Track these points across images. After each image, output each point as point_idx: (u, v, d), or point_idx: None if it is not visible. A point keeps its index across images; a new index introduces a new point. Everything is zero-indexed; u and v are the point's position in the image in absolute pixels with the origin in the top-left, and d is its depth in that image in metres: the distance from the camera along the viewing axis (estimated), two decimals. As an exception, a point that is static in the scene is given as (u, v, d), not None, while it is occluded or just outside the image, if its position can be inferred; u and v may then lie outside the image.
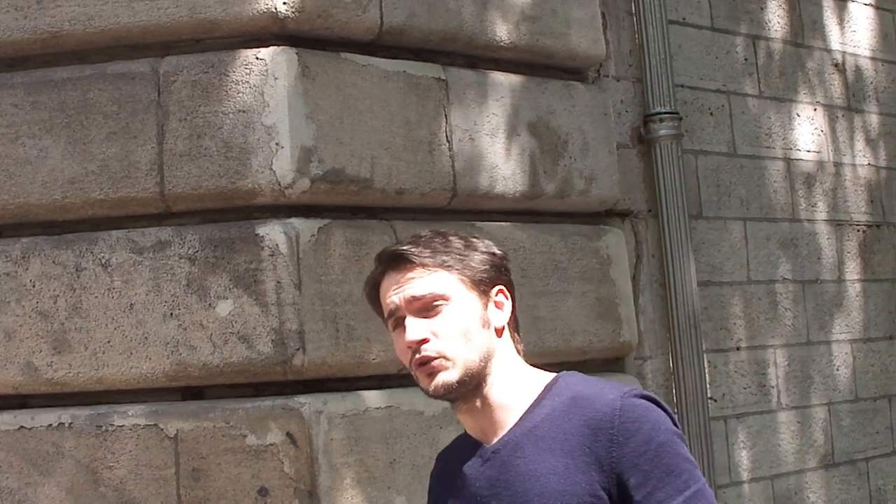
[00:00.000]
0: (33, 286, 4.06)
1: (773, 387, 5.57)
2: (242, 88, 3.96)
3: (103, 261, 4.02)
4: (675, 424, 2.34)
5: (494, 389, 2.41)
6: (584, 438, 2.31)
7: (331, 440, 3.86)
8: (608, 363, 4.84)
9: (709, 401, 5.19)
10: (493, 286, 2.45)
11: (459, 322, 2.39)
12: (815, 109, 6.01)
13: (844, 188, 6.09)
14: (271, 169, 3.91)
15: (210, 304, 3.93)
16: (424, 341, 2.37)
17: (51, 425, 4.02)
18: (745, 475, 5.39)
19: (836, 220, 6.01)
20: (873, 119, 6.33)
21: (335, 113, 4.04)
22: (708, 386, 5.21)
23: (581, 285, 4.66)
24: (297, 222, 3.94)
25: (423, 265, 2.41)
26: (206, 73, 3.99)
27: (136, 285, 3.98)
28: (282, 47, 3.98)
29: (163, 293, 3.96)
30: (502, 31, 4.55)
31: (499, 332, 2.45)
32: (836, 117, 6.12)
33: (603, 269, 4.76)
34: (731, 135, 5.61)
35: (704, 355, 5.19)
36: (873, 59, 6.39)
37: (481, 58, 4.54)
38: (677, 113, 5.23)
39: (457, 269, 2.42)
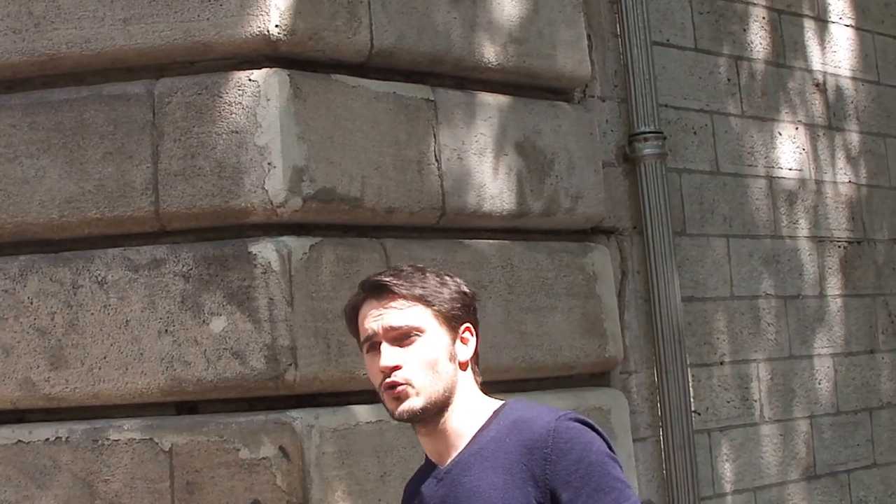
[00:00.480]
0: (31, 303, 4.10)
1: (755, 400, 5.61)
2: (235, 109, 3.99)
3: (99, 278, 4.05)
4: (609, 448, 2.53)
5: (453, 417, 2.61)
6: (522, 457, 2.50)
7: (322, 454, 3.89)
8: (594, 378, 4.88)
9: (693, 414, 5.21)
10: (462, 323, 2.65)
11: (429, 354, 2.59)
12: (797, 128, 6.07)
13: (826, 205, 6.14)
14: (264, 188, 3.94)
15: (204, 321, 3.96)
16: (396, 368, 2.57)
17: (48, 439, 4.04)
18: (728, 487, 5.42)
19: (817, 237, 6.05)
20: (854, 137, 6.39)
21: (326, 133, 4.07)
22: (692, 399, 5.23)
23: (567, 301, 4.70)
24: (289, 240, 3.97)
25: (403, 297, 2.60)
26: (199, 94, 4.02)
27: (131, 302, 4.01)
28: (274, 69, 4.01)
29: (158, 310, 3.99)
30: (490, 53, 4.60)
31: (462, 366, 2.64)
32: (818, 136, 6.17)
33: (589, 285, 4.80)
34: (714, 153, 5.66)
35: (688, 369, 5.22)
36: (854, 78, 6.44)
37: (469, 79, 4.57)
38: (661, 132, 5.26)
39: (432, 305, 2.61)
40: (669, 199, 5.24)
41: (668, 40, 5.53)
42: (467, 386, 2.65)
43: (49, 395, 4.08)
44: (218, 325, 3.95)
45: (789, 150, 5.99)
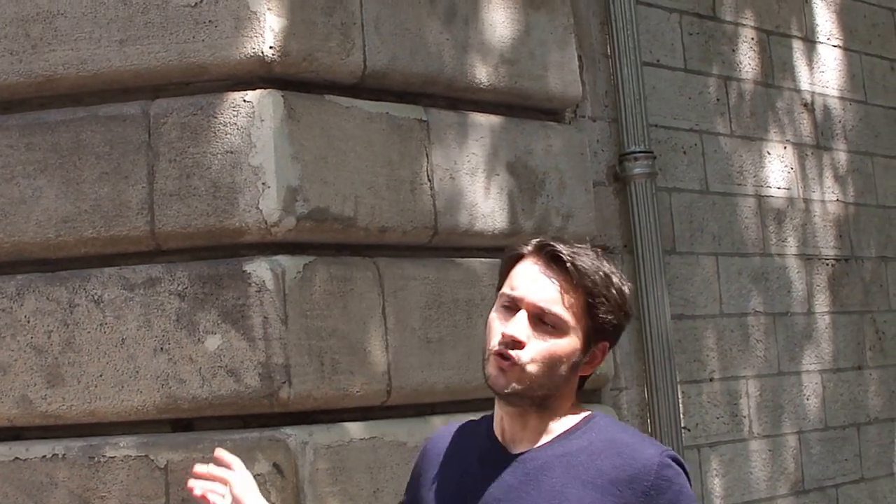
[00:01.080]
0: (28, 322, 4.12)
1: (745, 416, 5.64)
2: (230, 130, 4.01)
3: (96, 297, 4.08)
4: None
5: (544, 417, 2.44)
6: (619, 482, 2.35)
7: (316, 470, 3.91)
8: (585, 394, 4.87)
9: (682, 430, 5.23)
10: (603, 340, 2.47)
11: (556, 354, 2.40)
12: (785, 147, 6.11)
13: (814, 223, 6.18)
14: (258, 208, 3.96)
15: (199, 339, 3.97)
16: (519, 345, 2.38)
17: (45, 456, 4.05)
18: (718, 502, 5.43)
19: (805, 255, 6.09)
20: (841, 156, 6.43)
21: (320, 153, 4.09)
22: (682, 416, 5.25)
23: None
24: (283, 259, 3.99)
25: (572, 284, 2.40)
26: (194, 115, 4.04)
27: (127, 321, 4.03)
28: (268, 90, 4.03)
29: (153, 328, 4.01)
30: (482, 74, 4.64)
31: (579, 377, 2.47)
32: (806, 155, 6.21)
33: (579, 303, 4.82)
34: (703, 172, 5.70)
35: (678, 386, 5.24)
36: (841, 98, 6.48)
37: (461, 99, 4.60)
38: (651, 152, 5.29)
39: (591, 308, 2.41)
40: (659, 218, 5.27)
41: (658, 61, 5.57)
42: (570, 389, 2.47)
43: (46, 412, 4.10)
44: (213, 343, 3.97)
45: (778, 169, 6.03)
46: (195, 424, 4.06)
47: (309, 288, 4.01)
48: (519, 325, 2.40)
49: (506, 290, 2.45)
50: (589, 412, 2.49)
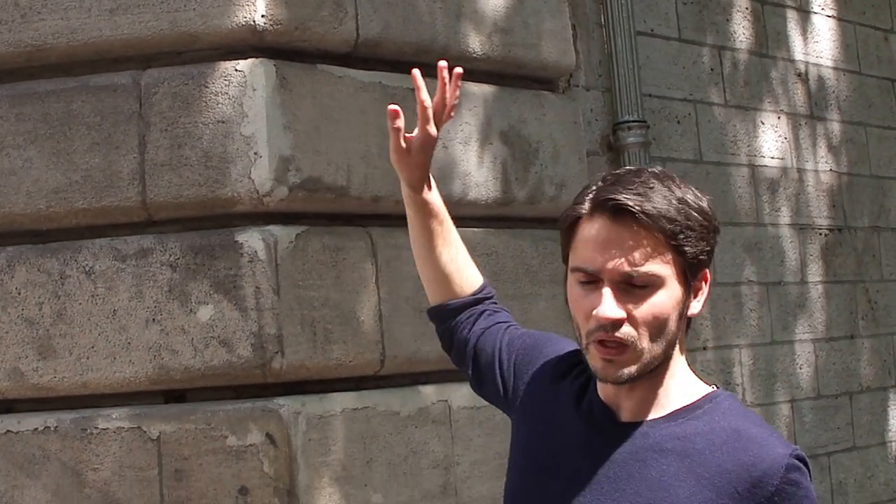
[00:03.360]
0: (19, 293, 4.11)
1: (738, 385, 5.66)
2: (222, 100, 4.00)
3: (87, 268, 4.07)
4: None
5: (657, 382, 2.15)
6: (739, 483, 2.06)
7: (309, 440, 3.92)
8: (579, 365, 4.91)
9: (676, 400, 5.28)
10: (702, 270, 2.14)
11: (662, 312, 2.09)
12: (779, 118, 6.11)
13: (807, 193, 6.19)
14: (250, 178, 3.95)
15: (191, 310, 3.97)
16: (620, 322, 2.08)
17: (37, 429, 4.06)
18: (712, 473, 5.47)
19: (798, 225, 6.10)
20: (835, 127, 6.43)
21: (312, 123, 4.08)
22: (676, 386, 5.29)
23: (551, 288, 4.73)
24: (276, 229, 3.99)
25: (650, 234, 2.07)
26: (186, 84, 4.03)
27: (118, 292, 4.03)
28: (260, 59, 4.02)
29: (145, 299, 4.01)
30: (475, 43, 4.62)
31: (687, 322, 2.16)
32: (800, 125, 6.22)
33: (573, 273, 4.83)
34: (697, 142, 5.70)
35: (672, 356, 5.28)
36: (835, 68, 6.48)
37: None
38: (645, 121, 5.31)
39: (679, 247, 2.08)
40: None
41: (652, 30, 5.57)
42: (680, 346, 2.17)
43: (37, 384, 4.10)
44: (205, 313, 3.97)
45: (771, 139, 6.04)
46: (188, 395, 4.07)
47: (301, 258, 4.01)
48: (610, 304, 2.07)
49: (578, 264, 2.13)
50: (711, 388, 2.19)
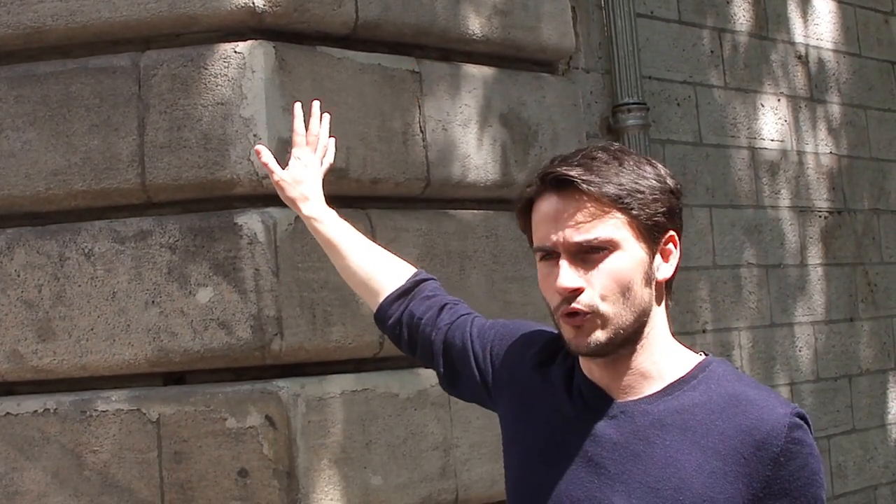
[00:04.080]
0: (18, 276, 4.11)
1: (737, 367, 5.67)
2: (221, 81, 4.00)
3: (86, 250, 4.07)
4: None
5: (642, 354, 2.12)
6: (744, 447, 2.05)
7: (308, 422, 3.92)
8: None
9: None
10: (665, 232, 2.12)
11: (621, 275, 2.07)
12: (779, 100, 6.11)
13: (807, 176, 6.20)
14: (249, 160, 3.94)
15: (190, 292, 3.98)
16: (578, 291, 2.07)
17: (36, 411, 4.06)
18: (711, 455, 5.48)
19: (798, 207, 6.11)
20: (835, 109, 6.43)
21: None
22: (675, 368, 5.30)
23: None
24: (275, 211, 3.98)
25: (594, 199, 2.07)
26: (185, 66, 4.03)
27: (118, 274, 4.03)
28: (259, 41, 4.01)
29: (144, 281, 4.01)
30: (475, 25, 4.61)
31: (658, 288, 2.13)
32: (800, 108, 6.22)
33: (572, 255, 4.83)
34: (697, 124, 5.70)
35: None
36: (836, 51, 6.48)
37: (454, 51, 4.59)
38: (645, 103, 5.31)
39: (630, 210, 2.07)
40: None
41: (651, 12, 5.57)
42: (660, 316, 2.14)
43: (37, 367, 4.10)
44: (204, 295, 3.97)
45: (771, 122, 6.04)
46: (187, 377, 4.07)
47: (300, 240, 4.01)
48: (567, 274, 2.07)
49: (536, 244, 2.14)
50: (702, 357, 2.17)
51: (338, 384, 4.05)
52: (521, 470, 2.21)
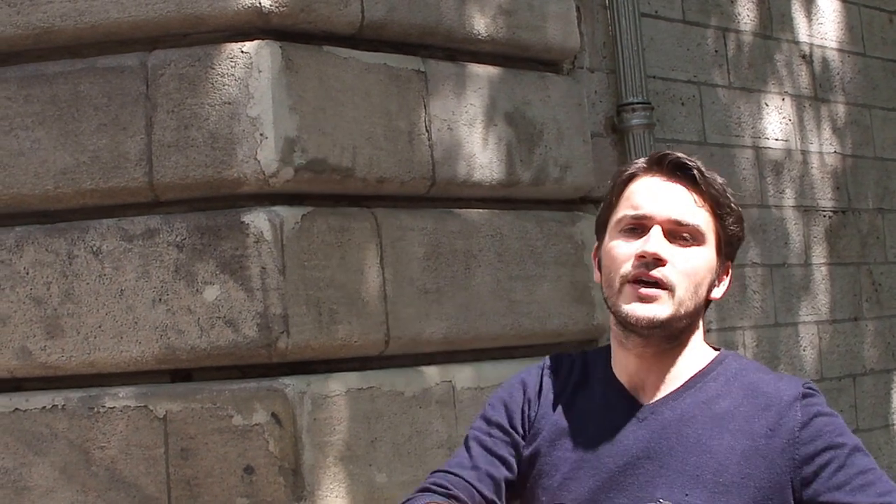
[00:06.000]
0: (27, 273, 4.13)
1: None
2: (228, 81, 4.01)
3: (94, 248, 4.09)
4: None
5: (676, 351, 2.21)
6: (767, 424, 2.14)
7: (314, 420, 3.94)
8: (582, 345, 4.91)
9: (680, 381, 5.30)
10: (729, 259, 2.24)
11: (700, 268, 2.15)
12: (784, 99, 6.11)
13: (811, 175, 6.20)
14: (256, 159, 3.96)
15: (197, 290, 3.99)
16: (663, 262, 2.11)
17: (44, 407, 4.08)
18: (715, 454, 5.50)
19: (803, 207, 6.11)
20: (839, 109, 6.43)
21: (318, 104, 4.09)
22: (679, 367, 5.31)
23: (556, 270, 4.75)
24: (281, 210, 4.00)
25: (701, 193, 2.15)
26: (192, 66, 4.04)
27: (125, 272, 4.05)
28: (266, 41, 4.02)
29: (152, 279, 4.03)
30: (480, 25, 4.63)
31: (707, 302, 2.23)
32: (804, 107, 6.22)
33: (577, 254, 4.84)
34: (701, 124, 5.71)
35: (676, 337, 5.30)
36: (840, 50, 6.48)
37: (460, 50, 4.60)
38: (649, 103, 5.31)
39: (722, 219, 2.17)
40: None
41: (656, 12, 5.57)
42: (699, 324, 2.24)
43: (45, 363, 4.12)
44: (211, 293, 3.99)
45: (776, 121, 6.04)
46: (194, 375, 4.09)
47: (307, 238, 4.03)
48: (658, 239, 2.11)
49: (626, 211, 2.16)
50: (717, 351, 2.28)
51: (343, 382, 4.06)
52: (581, 489, 2.20)
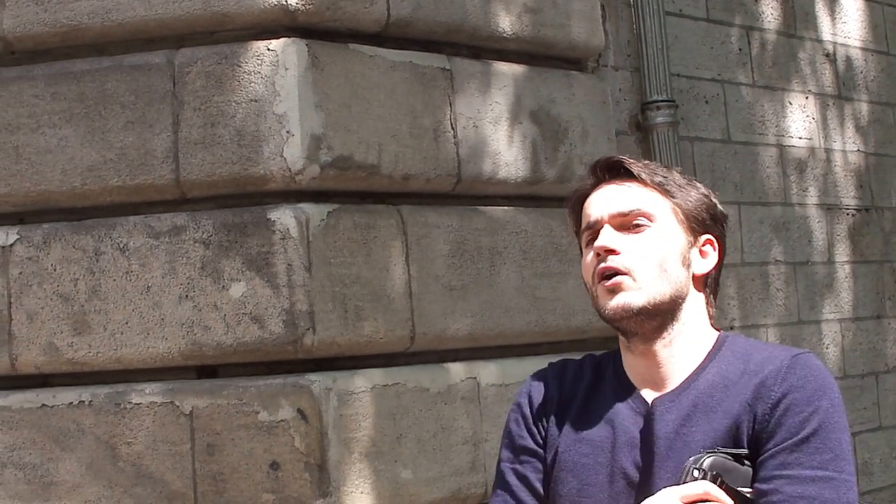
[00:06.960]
0: (54, 270, 4.15)
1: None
2: (254, 79, 4.02)
3: (121, 245, 4.11)
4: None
5: (677, 341, 2.21)
6: (751, 400, 2.12)
7: (340, 416, 3.94)
8: (607, 342, 4.90)
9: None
10: (705, 232, 2.24)
11: (658, 248, 2.18)
12: (807, 98, 6.11)
13: (834, 174, 6.20)
14: (282, 156, 3.98)
15: (223, 286, 4.00)
16: (613, 252, 2.16)
17: (71, 403, 4.10)
18: (738, 452, 5.50)
19: (826, 205, 6.11)
20: (863, 107, 6.43)
21: (343, 102, 4.10)
22: (702, 365, 5.31)
23: (580, 267, 4.74)
24: (307, 207, 4.01)
25: (641, 180, 2.20)
26: (219, 64, 4.06)
27: (152, 268, 4.06)
28: (292, 39, 4.04)
29: (178, 276, 4.05)
30: (505, 23, 4.63)
31: (696, 281, 2.23)
32: (827, 105, 6.22)
33: (601, 252, 4.84)
34: (725, 122, 5.71)
35: (699, 335, 5.30)
36: (864, 49, 6.47)
37: (485, 48, 4.60)
38: (674, 101, 5.32)
39: (672, 196, 2.20)
40: (682, 167, 5.29)
41: (680, 10, 5.58)
42: (698, 308, 2.23)
43: (72, 359, 4.14)
44: (237, 290, 4.00)
45: (799, 120, 6.04)
46: (220, 371, 4.10)
47: (333, 235, 4.04)
48: (606, 235, 2.17)
49: (584, 227, 2.24)
50: (717, 334, 2.26)
51: (369, 378, 4.07)
52: (600, 493, 2.23)
